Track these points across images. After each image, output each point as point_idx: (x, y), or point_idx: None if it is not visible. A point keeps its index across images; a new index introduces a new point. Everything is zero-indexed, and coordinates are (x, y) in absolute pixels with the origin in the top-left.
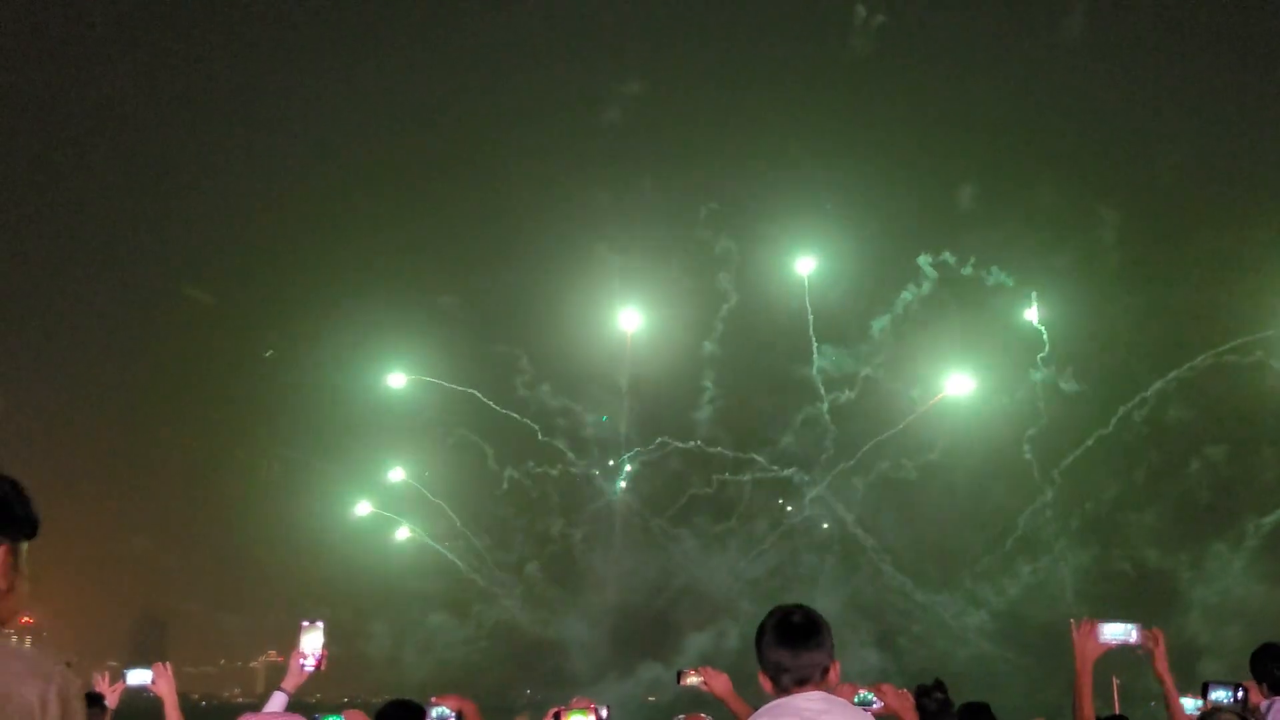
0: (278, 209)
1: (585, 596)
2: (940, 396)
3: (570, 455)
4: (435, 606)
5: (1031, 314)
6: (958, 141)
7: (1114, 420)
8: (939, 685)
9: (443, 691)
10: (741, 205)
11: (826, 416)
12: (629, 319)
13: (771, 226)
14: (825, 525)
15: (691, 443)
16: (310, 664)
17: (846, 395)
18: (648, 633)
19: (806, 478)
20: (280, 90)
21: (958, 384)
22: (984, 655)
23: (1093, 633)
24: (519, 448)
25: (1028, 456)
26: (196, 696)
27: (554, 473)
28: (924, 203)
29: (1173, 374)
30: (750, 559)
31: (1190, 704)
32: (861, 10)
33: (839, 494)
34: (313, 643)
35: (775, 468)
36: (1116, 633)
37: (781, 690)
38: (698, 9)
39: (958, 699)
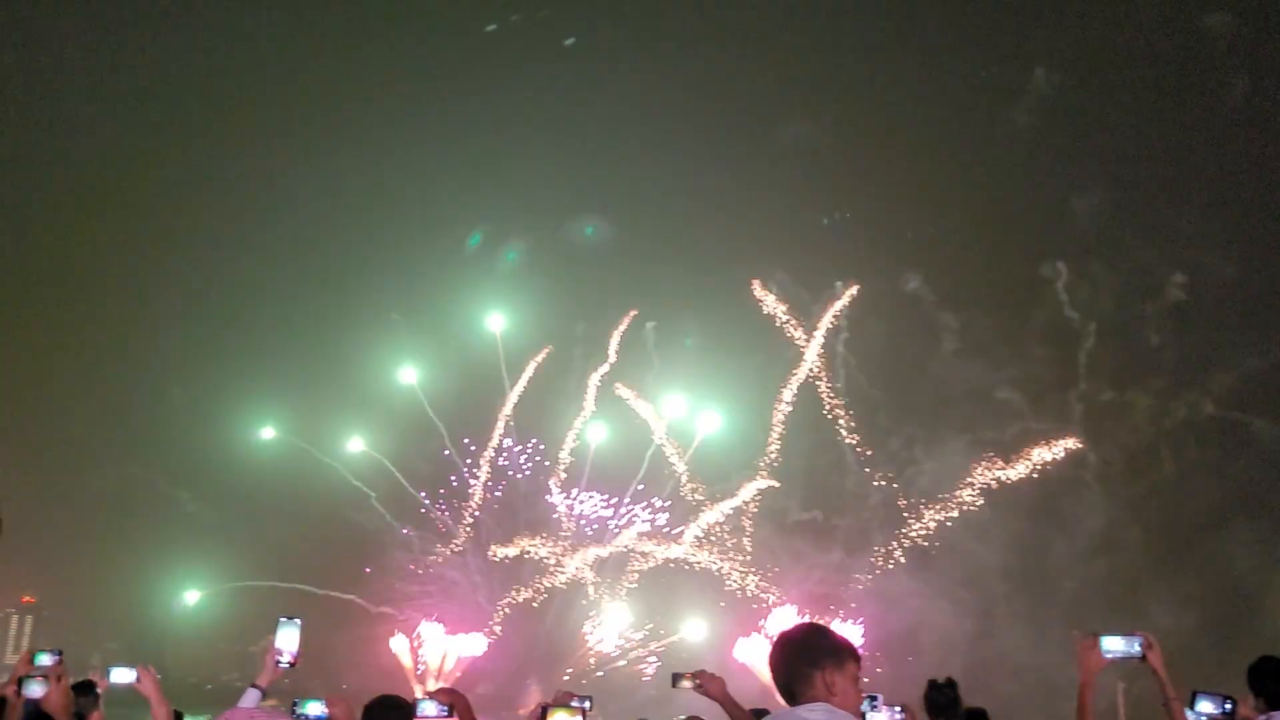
0: None
1: None
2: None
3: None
4: None
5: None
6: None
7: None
8: (950, 683)
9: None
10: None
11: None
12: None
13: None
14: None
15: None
16: (285, 660)
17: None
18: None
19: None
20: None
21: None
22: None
23: (1095, 646)
24: None
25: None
26: (195, 680)
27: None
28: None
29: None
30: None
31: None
32: (1040, 75)
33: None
34: (289, 639)
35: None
36: (1119, 645)
37: (789, 701)
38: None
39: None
